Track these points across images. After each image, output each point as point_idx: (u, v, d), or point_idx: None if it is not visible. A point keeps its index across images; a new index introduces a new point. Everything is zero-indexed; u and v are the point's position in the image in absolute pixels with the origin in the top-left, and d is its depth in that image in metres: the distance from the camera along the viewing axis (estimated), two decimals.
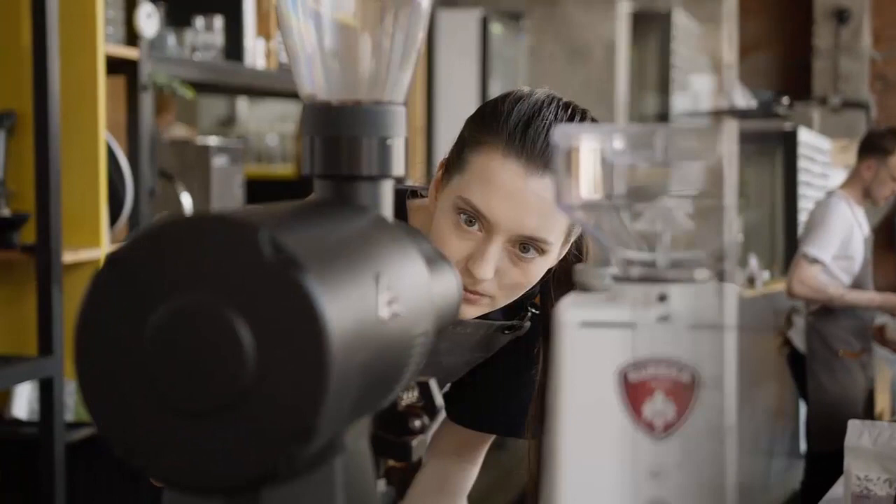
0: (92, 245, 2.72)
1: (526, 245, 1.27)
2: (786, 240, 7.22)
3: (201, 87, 3.56)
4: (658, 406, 0.66)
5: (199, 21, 3.35)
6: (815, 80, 8.10)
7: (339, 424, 0.65)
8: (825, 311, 4.45)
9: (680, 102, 5.53)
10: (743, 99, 5.93)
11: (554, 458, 0.68)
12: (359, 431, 0.72)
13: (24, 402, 2.87)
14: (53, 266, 2.51)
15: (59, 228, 2.53)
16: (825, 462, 4.32)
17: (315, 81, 0.77)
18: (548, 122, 1.27)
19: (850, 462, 1.89)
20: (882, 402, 5.05)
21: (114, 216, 2.81)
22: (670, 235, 0.69)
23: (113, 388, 0.62)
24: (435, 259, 0.83)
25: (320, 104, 0.76)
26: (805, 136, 6.98)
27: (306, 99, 0.78)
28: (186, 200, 3.19)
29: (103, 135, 2.72)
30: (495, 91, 4.89)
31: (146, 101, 2.91)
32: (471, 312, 1.32)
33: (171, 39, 3.22)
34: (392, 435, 0.80)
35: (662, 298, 0.67)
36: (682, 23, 7.46)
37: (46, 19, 2.51)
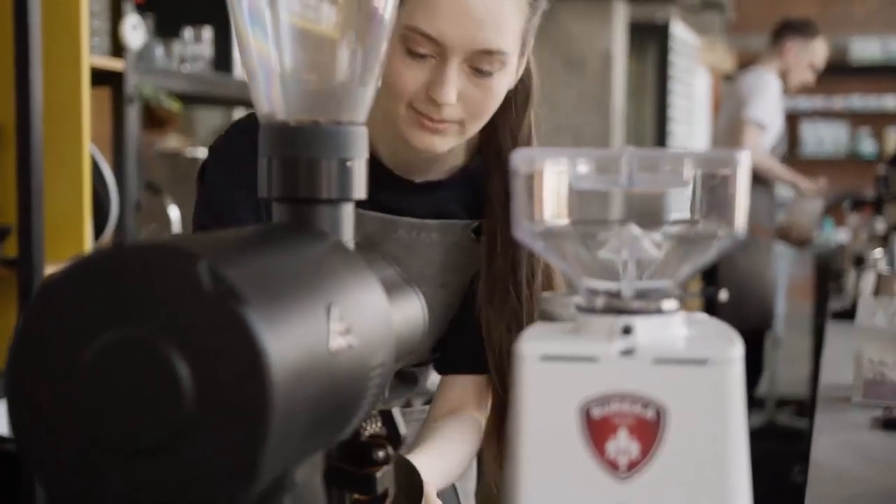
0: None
1: (482, 64, 1.24)
2: (656, 133, 7.25)
3: (190, 99, 3.53)
4: (622, 444, 0.63)
5: (188, 32, 3.33)
6: None
7: (287, 461, 0.61)
8: None
9: None
10: None
11: (514, 495, 0.65)
12: (311, 467, 0.69)
13: (5, 417, 2.83)
14: (35, 280, 2.48)
15: (42, 242, 2.50)
16: None
17: (273, 100, 0.74)
18: None
19: (861, 344, 1.74)
20: None
21: (99, 229, 2.78)
22: (636, 264, 0.66)
23: (45, 423, 0.58)
24: (397, 285, 0.80)
25: (278, 124, 0.73)
26: (677, 31, 7.01)
27: (264, 119, 0.75)
28: (174, 213, 3.16)
29: (88, 147, 2.69)
30: None
31: (132, 114, 2.88)
32: (441, 144, 1.29)
33: (160, 50, 3.20)
34: (355, 467, 0.77)
35: (627, 331, 0.64)
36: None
37: (29, 29, 2.48)
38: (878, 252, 2.85)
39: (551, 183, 0.66)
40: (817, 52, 4.62)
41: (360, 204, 1.27)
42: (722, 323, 0.69)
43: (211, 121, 4.97)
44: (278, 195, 0.73)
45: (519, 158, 0.66)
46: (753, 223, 4.49)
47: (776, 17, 5.44)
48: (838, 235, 5.86)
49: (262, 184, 0.73)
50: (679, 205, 0.67)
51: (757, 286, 4.43)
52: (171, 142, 3.78)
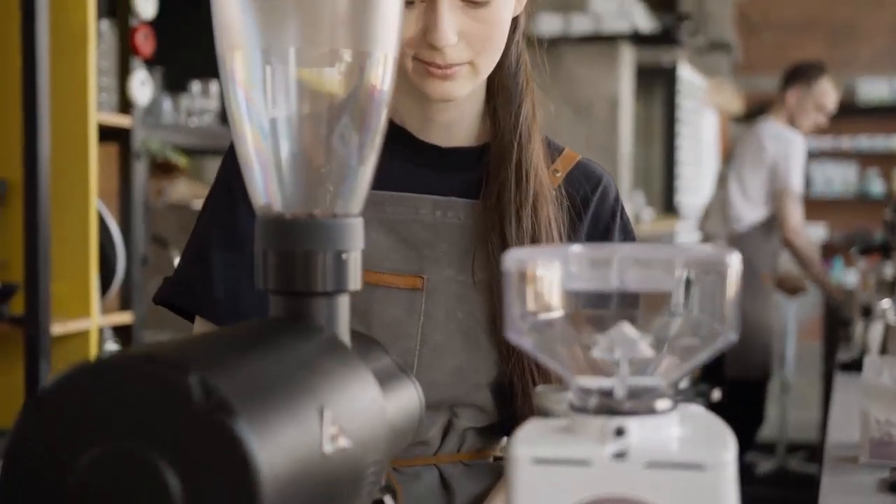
0: (82, 316, 2.69)
1: None
2: (664, 177, 7.23)
3: (198, 151, 3.55)
4: None
5: (196, 86, 3.35)
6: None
7: None
8: (751, 236, 4.51)
9: (579, 23, 5.58)
10: (644, 22, 5.95)
11: None
12: None
13: None
14: (42, 339, 2.48)
15: (48, 300, 2.50)
16: (739, 391, 4.36)
17: (269, 193, 0.75)
18: None
19: (868, 404, 1.70)
20: None
21: (105, 285, 2.79)
22: (629, 363, 0.66)
23: None
24: (392, 374, 0.80)
25: (274, 217, 0.73)
26: (684, 73, 7.01)
27: (260, 211, 0.75)
28: None
29: (95, 203, 2.70)
30: None
31: (139, 169, 2.89)
32: (457, 89, 1.22)
33: (168, 104, 3.22)
34: None
35: (620, 432, 0.64)
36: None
37: (38, 86, 2.50)
38: (885, 302, 2.84)
39: (542, 283, 0.66)
40: (823, 93, 4.62)
41: (379, 185, 1.24)
42: (716, 419, 0.69)
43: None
44: (274, 287, 0.73)
45: (510, 259, 0.66)
46: (759, 271, 4.50)
47: (783, 57, 5.47)
48: (847, 277, 5.85)
49: (259, 275, 0.74)
50: (671, 304, 0.67)
51: (760, 334, 4.43)
52: (180, 186, 3.79)
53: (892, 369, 1.77)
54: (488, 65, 1.23)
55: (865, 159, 9.74)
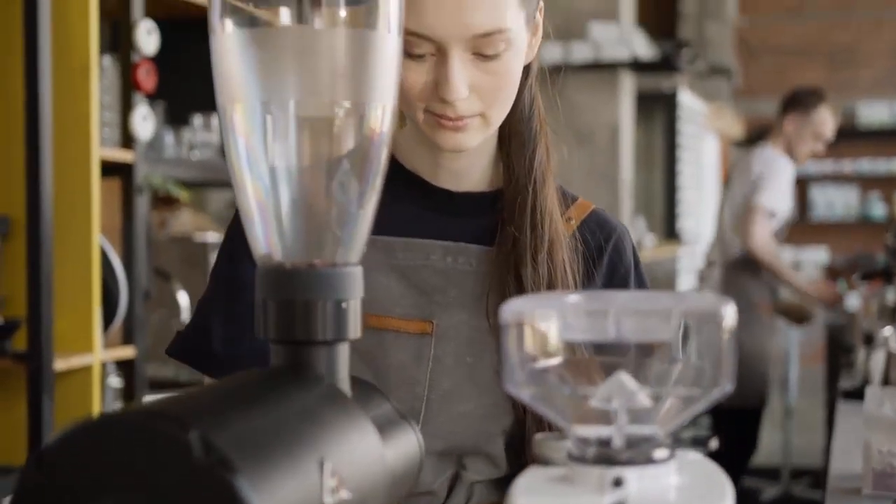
0: (85, 351, 2.70)
1: (485, 49, 1.16)
2: (665, 202, 7.22)
3: (199, 184, 3.56)
4: None
5: (197, 119, 3.37)
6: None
7: None
8: (744, 263, 4.49)
9: (580, 51, 5.60)
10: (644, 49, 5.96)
11: None
12: None
13: None
14: (45, 375, 2.49)
15: (51, 336, 2.51)
16: (733, 419, 4.33)
17: (270, 243, 0.75)
18: None
19: (870, 434, 1.68)
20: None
21: (108, 320, 2.80)
22: (626, 413, 0.66)
23: None
24: (392, 420, 0.80)
25: (274, 267, 0.74)
26: (684, 98, 7.01)
27: (260, 260, 0.76)
28: (183, 300, 3.18)
29: (97, 239, 2.71)
30: None
31: (141, 204, 2.91)
32: (468, 140, 1.21)
33: (170, 138, 3.23)
34: None
35: (618, 483, 0.64)
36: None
37: (40, 123, 2.52)
38: (887, 330, 2.85)
39: (540, 333, 0.67)
40: (821, 122, 4.60)
41: (390, 230, 1.25)
42: (714, 466, 0.69)
43: (221, 198, 5.02)
44: (274, 337, 0.74)
45: (508, 310, 0.67)
46: (757, 300, 4.49)
47: (783, 81, 5.49)
48: (850, 300, 5.85)
49: (259, 324, 0.74)
50: (669, 353, 0.67)
51: (756, 363, 4.41)
52: (183, 217, 3.81)
53: (894, 400, 1.77)
54: (499, 116, 1.23)
55: (867, 182, 9.77)
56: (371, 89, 0.75)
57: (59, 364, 2.58)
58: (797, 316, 4.90)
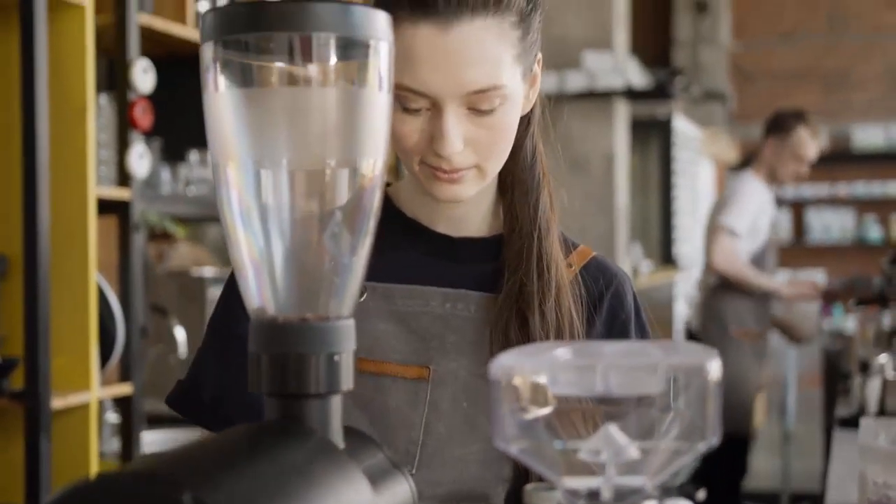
0: (82, 389, 2.70)
1: (481, 104, 1.17)
2: (661, 228, 7.21)
3: (196, 219, 3.57)
4: None
5: (193, 155, 3.38)
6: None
7: None
8: (722, 287, 4.49)
9: (574, 80, 5.62)
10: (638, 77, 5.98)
11: None
12: None
13: None
14: (42, 413, 2.49)
15: (48, 375, 2.51)
16: (720, 446, 4.31)
17: (263, 297, 0.76)
18: None
19: (865, 465, 1.68)
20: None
21: (105, 357, 2.80)
22: (615, 464, 0.67)
23: None
24: (385, 470, 0.81)
25: (267, 321, 0.75)
26: (679, 124, 7.03)
27: (254, 314, 0.77)
28: (180, 335, 3.18)
29: (94, 277, 2.72)
30: None
31: (138, 241, 2.92)
32: (464, 191, 1.22)
33: (166, 174, 3.25)
34: None
35: None
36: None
37: (37, 161, 2.53)
38: (882, 357, 2.85)
39: (529, 389, 0.68)
40: (798, 142, 4.57)
41: (390, 276, 1.26)
42: None
43: (219, 231, 5.03)
44: (267, 390, 0.75)
45: (497, 367, 0.68)
46: (741, 326, 4.50)
47: (778, 105, 5.50)
48: (847, 322, 5.85)
49: (252, 378, 0.75)
50: (656, 407, 0.68)
51: (740, 391, 4.40)
52: (182, 250, 3.81)
53: (889, 431, 1.77)
54: (495, 167, 1.24)
55: (862, 206, 9.78)
56: (363, 145, 0.76)
57: (57, 402, 2.58)
58: (795, 335, 4.90)
